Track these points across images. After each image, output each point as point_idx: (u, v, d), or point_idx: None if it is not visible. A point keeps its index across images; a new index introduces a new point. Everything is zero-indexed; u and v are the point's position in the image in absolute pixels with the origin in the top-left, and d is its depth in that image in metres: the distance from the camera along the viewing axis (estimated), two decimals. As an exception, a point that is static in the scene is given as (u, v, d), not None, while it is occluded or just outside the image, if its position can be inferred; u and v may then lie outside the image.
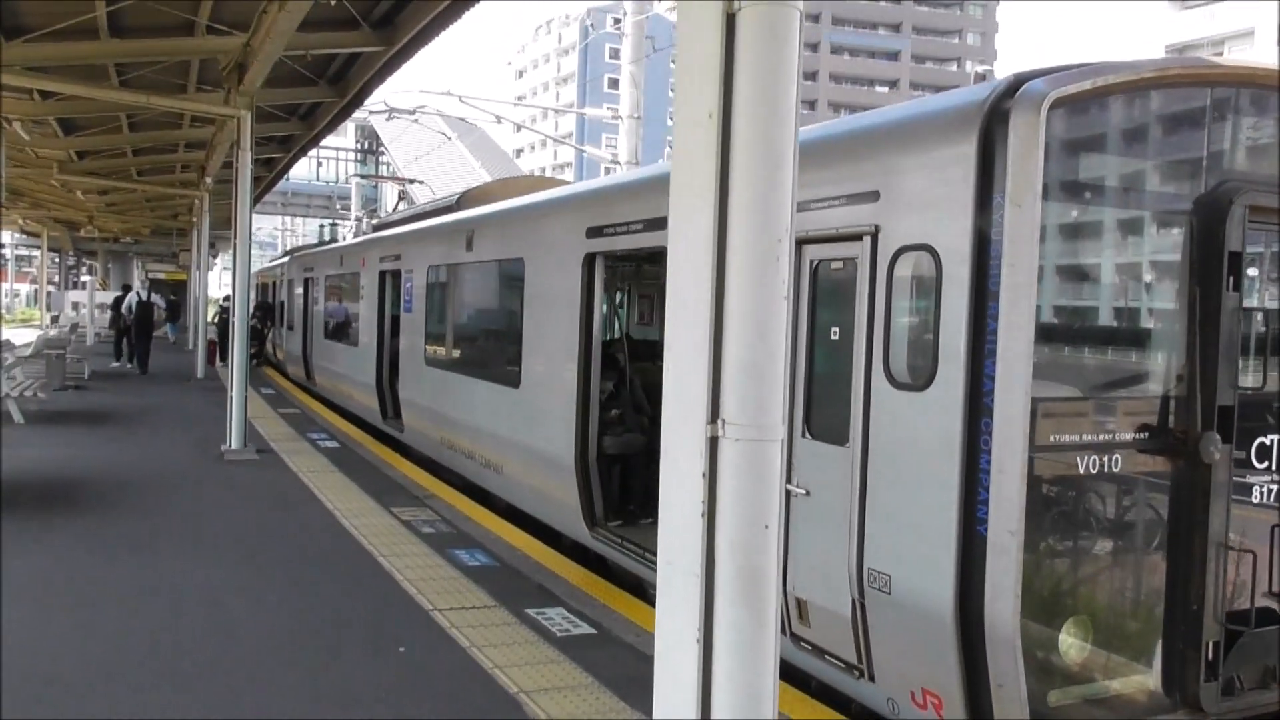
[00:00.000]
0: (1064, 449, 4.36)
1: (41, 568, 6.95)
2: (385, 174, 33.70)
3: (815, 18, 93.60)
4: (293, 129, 19.35)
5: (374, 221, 20.79)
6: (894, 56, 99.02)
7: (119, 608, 6.16)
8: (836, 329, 5.16)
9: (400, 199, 21.56)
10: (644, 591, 7.29)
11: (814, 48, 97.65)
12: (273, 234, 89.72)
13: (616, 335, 10.09)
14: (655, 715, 2.44)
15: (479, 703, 4.88)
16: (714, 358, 2.18)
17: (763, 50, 2.11)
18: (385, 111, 23.79)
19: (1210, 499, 4.48)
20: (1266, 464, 4.80)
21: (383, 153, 54.35)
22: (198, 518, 8.77)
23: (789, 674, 5.58)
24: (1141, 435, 4.51)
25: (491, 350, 10.38)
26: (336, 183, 57.39)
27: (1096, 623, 4.46)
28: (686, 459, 2.23)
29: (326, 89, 16.21)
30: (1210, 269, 4.43)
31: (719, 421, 2.18)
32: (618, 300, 11.21)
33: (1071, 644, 4.41)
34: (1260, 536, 4.65)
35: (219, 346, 25.98)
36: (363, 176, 35.74)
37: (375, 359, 14.69)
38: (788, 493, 5.43)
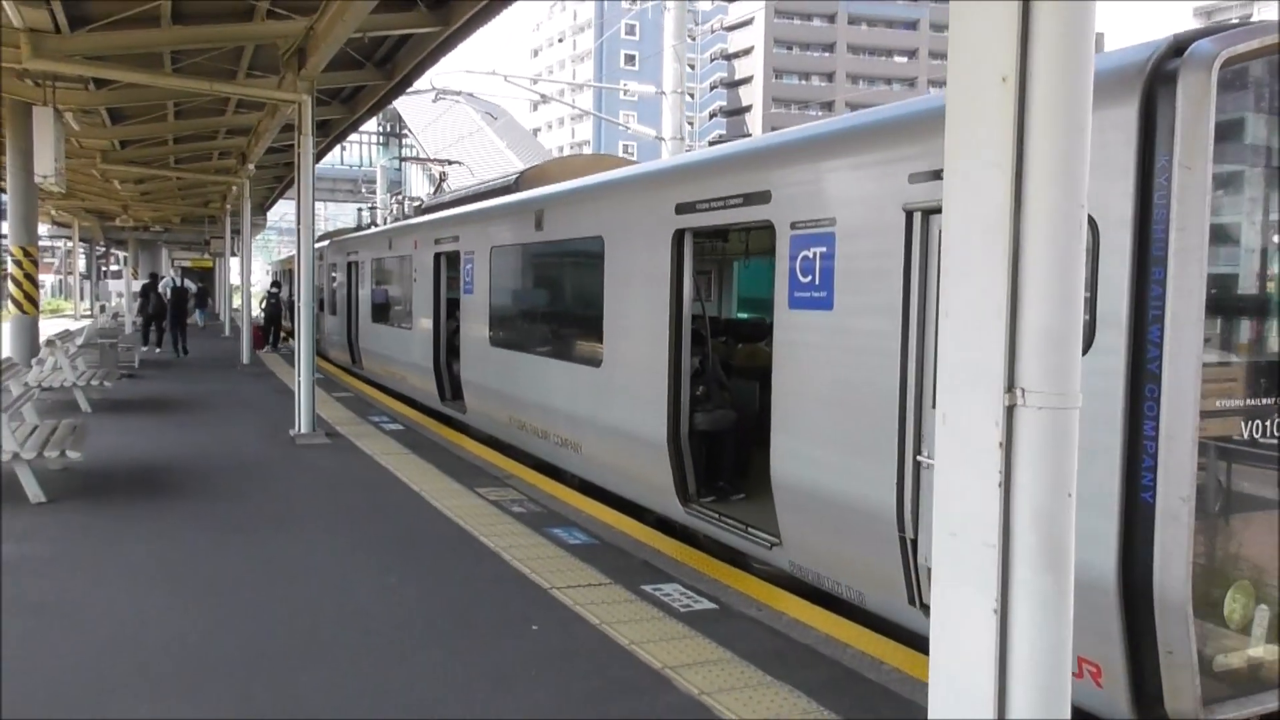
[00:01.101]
0: (1227, 414, 4.32)
1: (161, 554, 7.02)
2: (413, 156, 33.67)
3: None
4: (332, 113, 19.33)
5: (418, 204, 20.78)
6: (912, 25, 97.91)
7: (251, 592, 6.21)
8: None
9: (441, 181, 21.53)
10: (746, 564, 7.30)
11: (831, 19, 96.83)
12: (286, 218, 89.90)
13: (699, 312, 10.06)
14: (935, 682, 2.43)
15: (628, 678, 4.90)
16: (1010, 325, 2.15)
17: (1065, 14, 2.08)
18: (431, 93, 23.74)
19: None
20: None
21: (406, 135, 54.32)
22: (290, 500, 8.84)
23: (915, 644, 5.58)
24: (1300, 398, 4.46)
25: (567, 330, 10.37)
26: (361, 166, 57.46)
27: (1258, 585, 4.43)
28: (976, 428, 2.21)
29: (374, 72, 16.18)
30: (1369, 229, 4.37)
31: (1018, 390, 2.16)
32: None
33: (1235, 609, 4.38)
34: None
35: (265, 332, 26.14)
36: (404, 159, 35.71)
37: (432, 341, 14.74)
38: (917, 463, 5.43)
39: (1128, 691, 4.36)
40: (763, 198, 6.68)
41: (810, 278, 6.22)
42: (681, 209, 7.71)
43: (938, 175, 5.19)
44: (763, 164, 6.82)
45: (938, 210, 5.21)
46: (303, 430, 12.35)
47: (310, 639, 5.38)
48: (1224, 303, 4.39)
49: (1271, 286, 4.73)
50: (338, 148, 47.11)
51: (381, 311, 18.47)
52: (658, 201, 8.09)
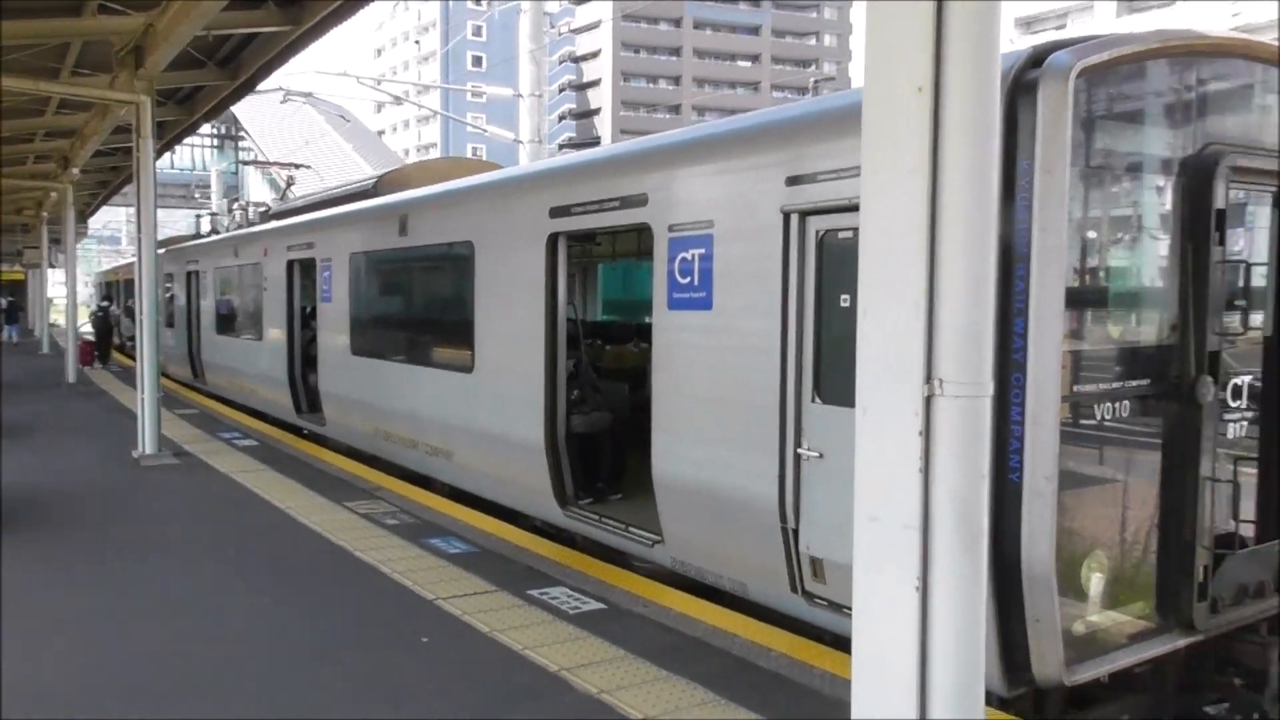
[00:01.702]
0: (1084, 398, 4.67)
1: (12, 592, 6.51)
2: (256, 160, 32.31)
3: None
4: (168, 114, 18.33)
5: (264, 210, 19.97)
6: (755, 31, 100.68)
7: (114, 628, 5.83)
8: (846, 296, 5.34)
9: (288, 186, 20.73)
10: (628, 564, 7.38)
11: (677, 23, 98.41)
12: (109, 226, 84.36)
13: (571, 316, 10.08)
14: (858, 662, 2.55)
15: (526, 682, 4.89)
16: (928, 322, 2.29)
17: (973, 26, 2.22)
18: (276, 93, 22.77)
19: (1201, 436, 4.87)
20: (1239, 402, 5.26)
21: (242, 137, 52.00)
22: (142, 526, 8.37)
23: (798, 630, 5.79)
24: (1144, 381, 4.86)
25: (436, 337, 10.20)
26: (194, 170, 54.63)
27: (1109, 557, 4.81)
28: (898, 418, 2.34)
29: (216, 71, 15.44)
30: (1199, 226, 4.81)
31: (935, 381, 2.30)
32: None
33: (1090, 579, 4.73)
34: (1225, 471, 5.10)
35: (94, 348, 24.57)
36: (246, 163, 34.17)
37: (286, 352, 14.22)
38: (797, 456, 5.63)
39: (999, 660, 4.64)
40: (639, 201, 6.77)
41: (689, 279, 6.34)
42: (556, 213, 7.73)
43: (814, 178, 5.40)
44: (639, 167, 6.91)
45: (815, 212, 5.42)
46: (148, 450, 11.68)
47: (189, 671, 5.12)
48: (1082, 296, 4.74)
49: (1123, 281, 5.15)
50: (168, 152, 44.77)
51: (228, 323, 17.67)
52: (531, 205, 8.07)
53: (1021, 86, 4.40)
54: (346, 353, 11.91)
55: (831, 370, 5.45)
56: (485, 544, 7.72)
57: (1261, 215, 5.44)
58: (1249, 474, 5.23)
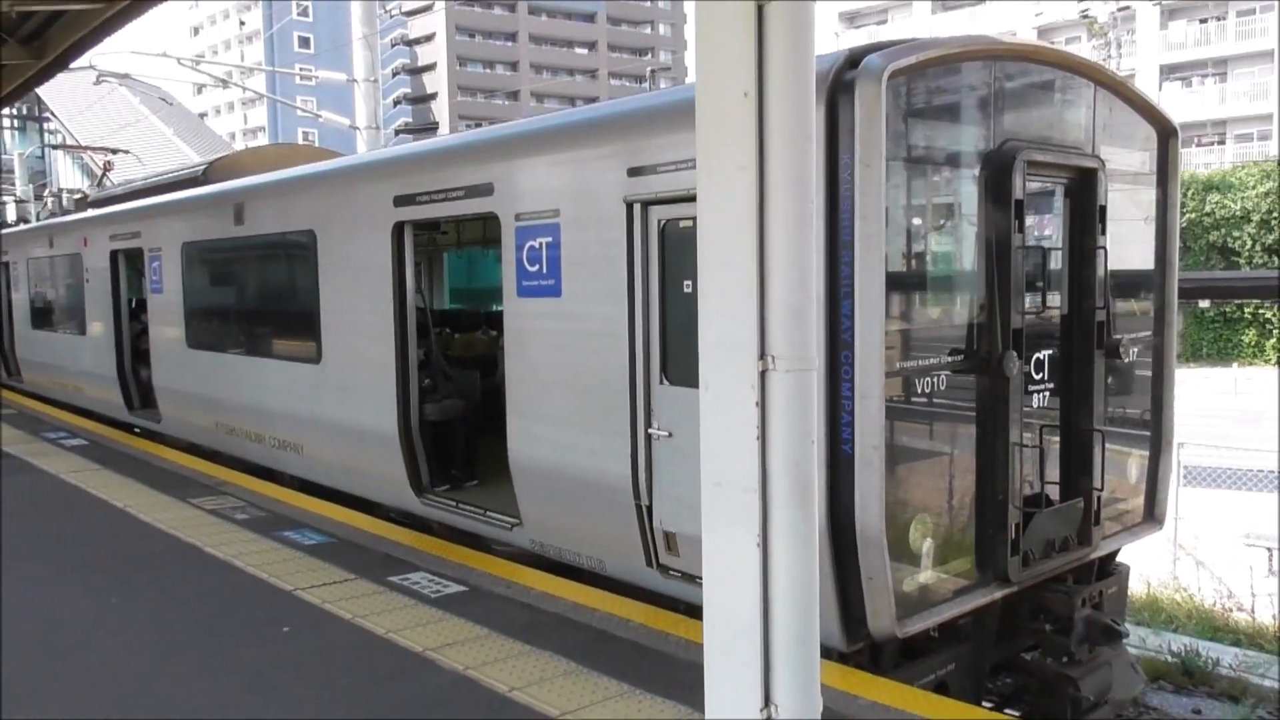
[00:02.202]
0: (906, 373, 5.11)
1: None
2: (68, 144, 30.26)
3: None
4: (-34, 95, 17.03)
5: (79, 198, 18.83)
6: (590, 18, 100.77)
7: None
8: (689, 282, 5.63)
9: (105, 172, 19.59)
10: (487, 547, 7.50)
11: (512, 7, 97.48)
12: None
13: (420, 305, 10.05)
14: (709, 616, 2.80)
15: (392, 665, 4.97)
16: (760, 304, 2.54)
17: (790, 37, 2.48)
18: (88, 73, 21.34)
19: (1009, 406, 5.41)
20: (1041, 375, 5.85)
21: (47, 119, 48.45)
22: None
23: (654, 601, 6.07)
24: (958, 357, 5.36)
25: (279, 328, 9.97)
26: (-5, 154, 50.51)
27: (933, 518, 5.28)
28: (737, 392, 2.59)
29: (18, 49, 14.45)
30: (1001, 214, 5.32)
31: (769, 357, 2.56)
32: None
33: (917, 539, 5.19)
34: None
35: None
36: (56, 146, 31.85)
37: (114, 347, 13.54)
38: (649, 436, 5.90)
39: (838, 617, 5.05)
40: (486, 190, 6.87)
41: (537, 266, 6.50)
42: (401, 201, 7.73)
43: (655, 170, 5.65)
44: (485, 157, 7.01)
45: (656, 202, 5.68)
46: (-38, 454, 10.96)
47: (37, 675, 4.95)
48: (902, 280, 5.17)
49: (938, 266, 5.63)
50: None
51: (45, 317, 16.63)
52: (375, 194, 8.03)
53: (840, 86, 4.76)
54: (183, 346, 11.48)
55: (677, 353, 5.73)
56: (341, 534, 7.68)
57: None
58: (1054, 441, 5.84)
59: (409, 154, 8.44)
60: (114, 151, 20.34)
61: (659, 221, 5.75)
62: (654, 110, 6.05)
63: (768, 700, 2.66)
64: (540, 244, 6.47)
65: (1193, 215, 39.16)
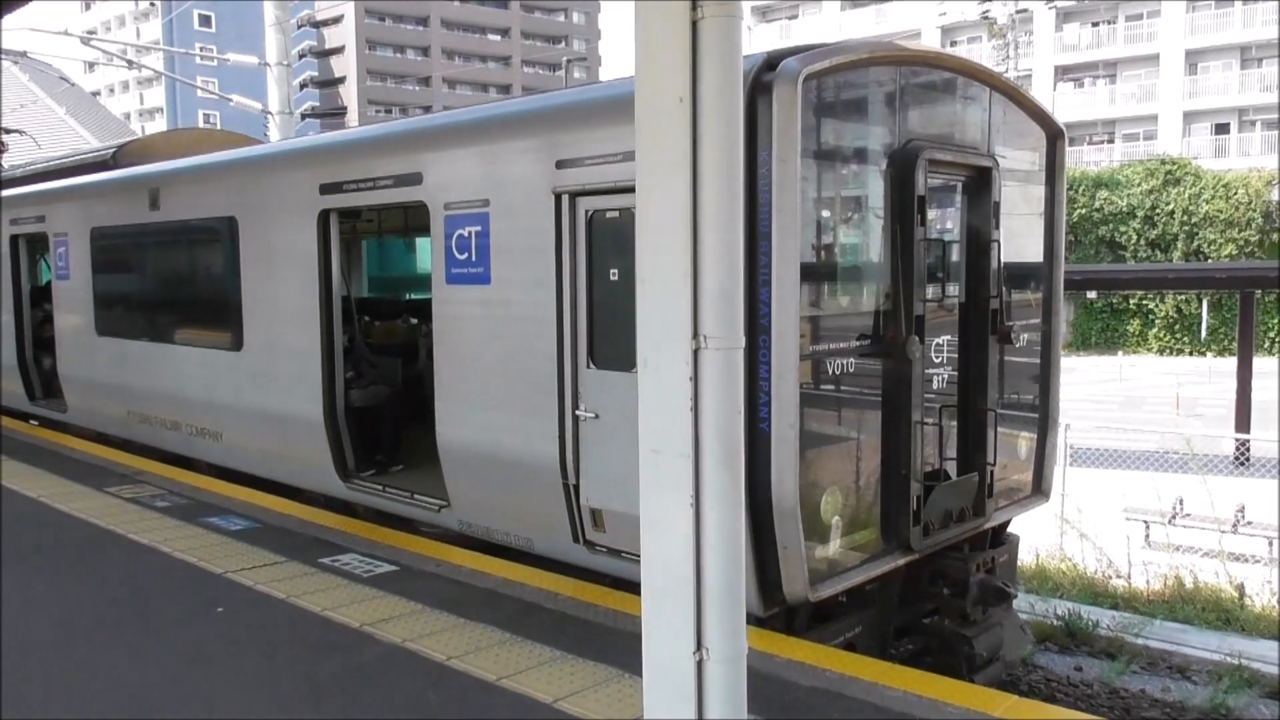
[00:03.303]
0: (818, 355, 5.48)
1: None
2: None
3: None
4: None
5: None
6: (503, 4, 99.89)
7: None
8: (615, 270, 5.90)
9: None
10: (414, 529, 7.67)
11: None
12: None
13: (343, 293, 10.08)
14: (647, 572, 3.08)
15: (330, 639, 5.15)
16: (694, 289, 2.84)
17: (721, 48, 2.77)
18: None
19: (912, 388, 5.83)
20: (940, 359, 6.30)
21: (-70, 97, 46.05)
22: None
23: (581, 576, 6.35)
24: (866, 341, 5.75)
25: (197, 315, 9.90)
26: None
27: (842, 491, 5.67)
28: (672, 368, 2.88)
29: (-89, 26, 13.92)
30: (905, 209, 5.73)
31: (701, 336, 2.86)
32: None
33: (829, 511, 5.57)
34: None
35: None
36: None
37: (14, 335, 13.18)
38: (576, 418, 6.16)
39: (756, 585, 5.39)
40: (414, 179, 7.02)
41: (466, 255, 6.70)
42: (327, 189, 7.81)
43: (582, 163, 5.91)
44: (414, 146, 7.16)
45: (585, 193, 5.93)
46: None
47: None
48: (816, 269, 5.53)
49: (847, 256, 6.01)
50: None
51: (-64, 305, 16.01)
52: (300, 181, 8.09)
53: (759, 87, 5.09)
54: (92, 334, 11.28)
55: (604, 338, 6.00)
56: (266, 519, 7.76)
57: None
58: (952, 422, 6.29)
59: (336, 141, 8.50)
60: (8, 132, 19.57)
61: (586, 212, 6.01)
62: (583, 105, 6.30)
63: (700, 644, 2.96)
64: (469, 233, 6.66)
65: (1083, 211, 41.09)
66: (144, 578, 6.25)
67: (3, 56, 21.10)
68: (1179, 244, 40.41)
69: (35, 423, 13.14)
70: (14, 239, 12.98)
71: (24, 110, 28.94)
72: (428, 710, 4.36)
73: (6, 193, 13.94)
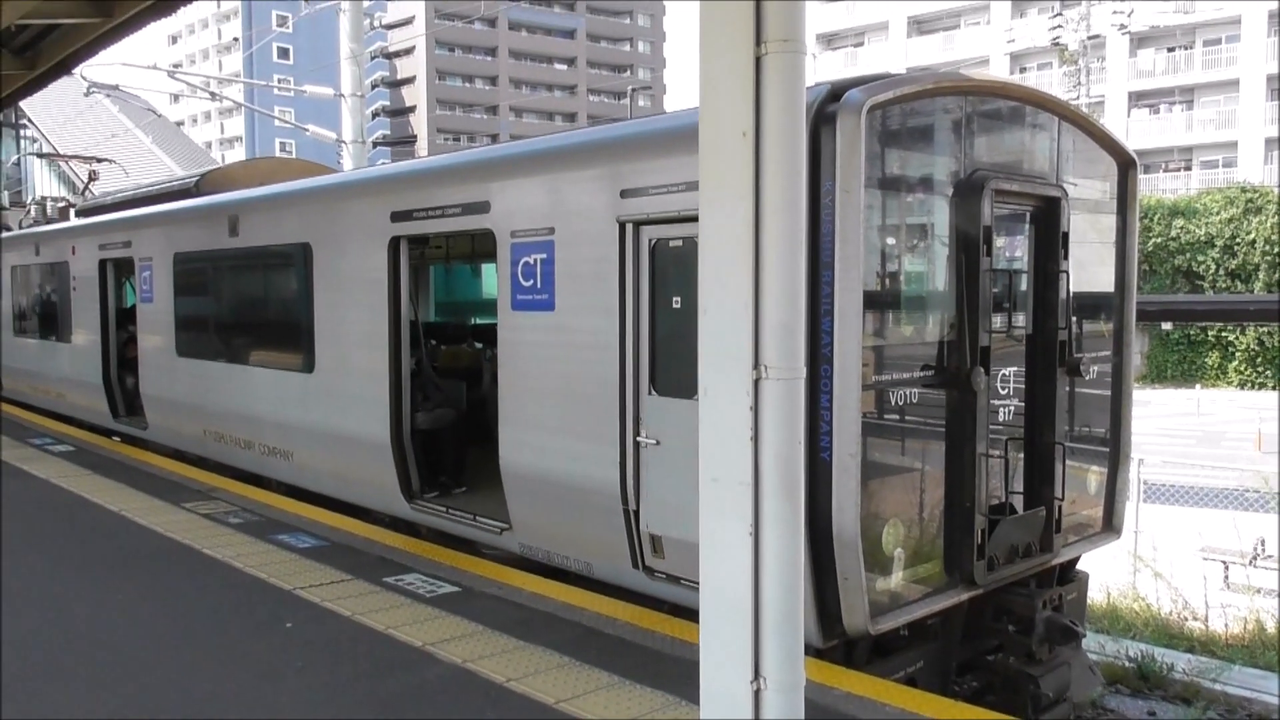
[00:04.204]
0: (881, 386, 5.46)
1: None
2: (55, 153, 30.23)
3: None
4: (-46, 102, 17.12)
5: (63, 206, 18.93)
6: (570, 34, 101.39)
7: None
8: (677, 298, 5.96)
9: (90, 182, 19.70)
10: (476, 551, 7.77)
11: (492, 23, 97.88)
12: None
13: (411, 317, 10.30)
14: (705, 598, 3.10)
15: (393, 657, 5.24)
16: (755, 320, 2.87)
17: (784, 84, 2.82)
18: (75, 83, 21.46)
19: (976, 419, 5.76)
20: (1006, 390, 6.23)
21: (24, 126, 48.26)
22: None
23: (640, 602, 6.37)
24: (930, 372, 5.71)
25: (271, 337, 10.20)
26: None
27: (904, 523, 5.62)
28: (733, 397, 2.92)
29: (12, 60, 14.63)
30: (970, 239, 5.69)
31: (762, 366, 2.89)
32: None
33: (889, 543, 5.52)
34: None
35: None
36: (42, 155, 31.80)
37: (100, 355, 13.70)
38: (637, 444, 6.21)
39: (815, 615, 5.36)
40: (482, 208, 7.18)
41: (532, 281, 6.81)
42: (398, 217, 8.02)
43: (646, 192, 5.99)
44: (482, 176, 7.32)
45: (648, 222, 6.01)
46: (-48, 458, 11.09)
47: (49, 664, 5.18)
48: (879, 299, 5.52)
49: (912, 286, 5.98)
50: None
51: (30, 324, 16.72)
52: (372, 209, 8.32)
53: (823, 118, 5.12)
54: (172, 354, 11.67)
55: (665, 365, 6.05)
56: (333, 538, 7.92)
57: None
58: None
59: (407, 171, 8.73)
60: (99, 161, 20.44)
61: (650, 240, 6.08)
62: (646, 135, 6.39)
63: (757, 673, 2.97)
64: (535, 260, 6.78)
65: (1158, 240, 40.08)
66: (217, 592, 6.43)
67: (95, 89, 22.06)
68: (1260, 274, 39.16)
69: (118, 439, 13.60)
70: (102, 263, 13.51)
71: (114, 140, 30.19)
72: (487, 731, 4.41)
73: (97, 219, 14.55)
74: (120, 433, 13.66)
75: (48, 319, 15.98)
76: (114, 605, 6.14)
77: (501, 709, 4.63)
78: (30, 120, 45.54)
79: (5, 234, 19.59)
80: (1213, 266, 39.95)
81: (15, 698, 4.75)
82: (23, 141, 45.99)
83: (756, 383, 2.89)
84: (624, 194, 6.13)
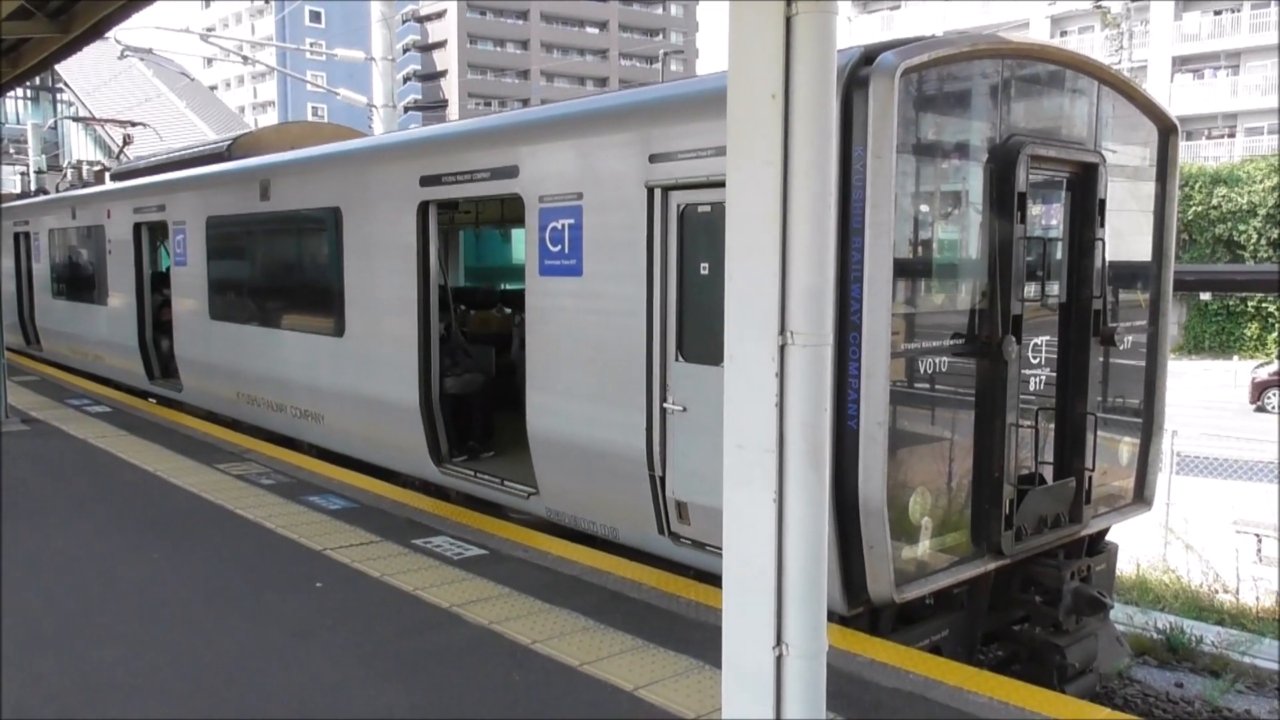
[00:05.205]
0: (910, 354, 5.41)
1: None
2: (88, 117, 30.50)
3: None
4: (-8, 66, 17.26)
5: (98, 170, 19.12)
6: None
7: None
8: (705, 264, 5.92)
9: (125, 145, 19.86)
10: (503, 514, 7.83)
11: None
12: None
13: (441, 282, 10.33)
14: (728, 565, 3.10)
15: (422, 617, 5.31)
16: (782, 286, 2.85)
17: (815, 45, 2.77)
18: (110, 46, 21.57)
19: (1007, 389, 5.70)
20: (1039, 360, 6.15)
21: (60, 90, 48.71)
22: (14, 493, 8.23)
23: (665, 567, 6.39)
24: (960, 340, 5.65)
25: (303, 301, 10.27)
26: (4, 124, 50.77)
27: (931, 492, 5.59)
28: (759, 363, 2.90)
29: (46, 23, 14.70)
30: (1005, 206, 5.60)
31: (788, 333, 2.86)
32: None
33: (915, 512, 5.50)
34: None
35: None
36: (76, 119, 32.12)
37: (136, 318, 13.87)
38: (664, 410, 6.21)
39: (840, 583, 5.36)
40: (511, 172, 7.16)
41: (560, 247, 6.80)
42: (427, 181, 8.01)
43: (674, 157, 5.93)
44: (510, 140, 7.29)
45: (677, 187, 5.96)
46: (-7, 417, 11.30)
47: (87, 619, 5.31)
48: (909, 266, 5.45)
49: (943, 253, 5.90)
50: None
51: (67, 287, 16.96)
52: (402, 174, 8.32)
53: (855, 82, 5.04)
54: (206, 318, 11.80)
55: (693, 331, 6.03)
56: (363, 500, 8.02)
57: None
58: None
59: (436, 135, 8.71)
60: (132, 125, 20.59)
61: (678, 206, 6.04)
62: (676, 100, 6.33)
63: (779, 639, 2.97)
64: (563, 225, 6.76)
65: (1199, 209, 39.30)
66: (249, 551, 6.54)
67: (130, 53, 22.19)
68: (1304, 244, 38.36)
69: (154, 400, 13.81)
70: (137, 226, 13.64)
71: (148, 104, 30.41)
72: (512, 691, 4.46)
73: (131, 183, 14.67)
74: (156, 394, 13.86)
75: (84, 282, 16.19)
76: (150, 564, 6.26)
77: (527, 670, 4.68)
78: (66, 84, 45.97)
79: (42, 198, 19.83)
80: (1255, 236, 39.14)
81: (58, 653, 4.86)
82: (59, 105, 46.52)
83: (782, 349, 2.87)
84: (653, 159, 6.09)
